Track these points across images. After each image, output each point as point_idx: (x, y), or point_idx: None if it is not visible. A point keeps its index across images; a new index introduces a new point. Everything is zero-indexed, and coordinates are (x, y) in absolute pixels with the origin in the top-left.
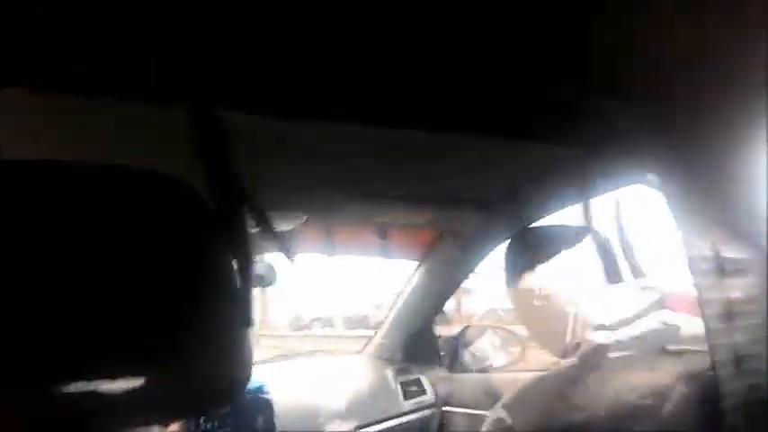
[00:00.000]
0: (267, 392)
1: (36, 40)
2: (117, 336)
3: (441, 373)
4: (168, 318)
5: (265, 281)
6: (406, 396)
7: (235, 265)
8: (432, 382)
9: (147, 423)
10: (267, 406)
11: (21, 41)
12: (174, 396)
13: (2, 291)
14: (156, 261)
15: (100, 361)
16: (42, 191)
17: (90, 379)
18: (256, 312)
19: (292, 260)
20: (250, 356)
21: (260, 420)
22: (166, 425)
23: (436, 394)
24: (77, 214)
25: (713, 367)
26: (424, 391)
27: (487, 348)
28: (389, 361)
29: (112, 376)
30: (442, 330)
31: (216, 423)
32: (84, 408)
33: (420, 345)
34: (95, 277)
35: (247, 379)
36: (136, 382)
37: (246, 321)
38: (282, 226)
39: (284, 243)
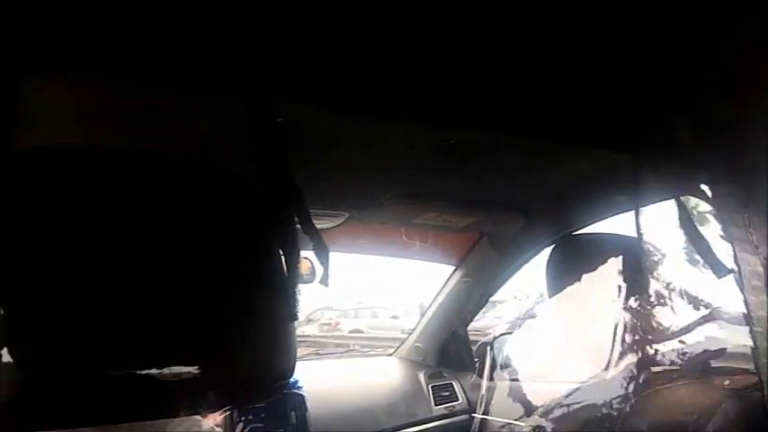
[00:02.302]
0: (300, 388)
1: (90, 28)
2: (169, 326)
3: (474, 379)
4: (217, 310)
5: (304, 278)
6: (438, 401)
7: (283, 258)
8: (464, 388)
9: (194, 411)
10: (301, 402)
11: (78, 29)
12: (221, 386)
13: (61, 281)
14: (207, 252)
15: (152, 350)
16: (96, 178)
17: (142, 368)
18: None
19: (327, 263)
20: (294, 351)
21: (293, 416)
22: (206, 415)
23: (468, 401)
24: (131, 204)
25: (760, 386)
26: (455, 397)
27: (523, 356)
28: (422, 365)
29: (163, 365)
30: (476, 336)
31: (251, 416)
32: (136, 394)
33: (454, 350)
34: (150, 267)
35: (291, 372)
36: (185, 372)
37: (292, 316)
38: (325, 224)
39: (321, 243)
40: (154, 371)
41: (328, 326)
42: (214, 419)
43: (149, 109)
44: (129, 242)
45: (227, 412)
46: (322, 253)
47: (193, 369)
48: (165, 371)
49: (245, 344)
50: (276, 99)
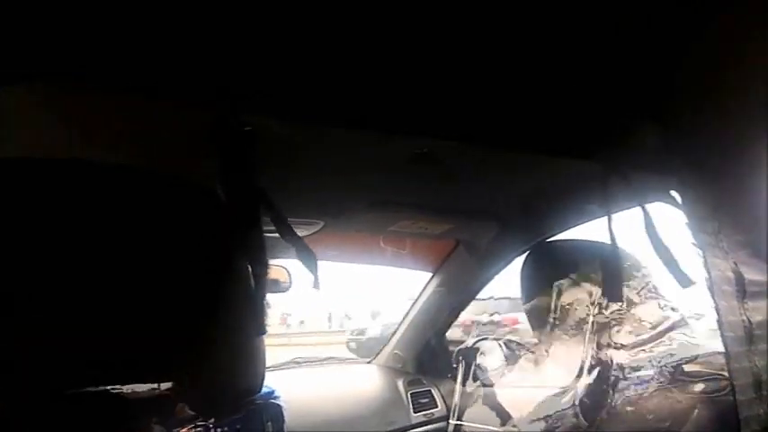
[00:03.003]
0: (278, 398)
1: (60, 38)
2: (132, 341)
3: (452, 386)
4: (182, 325)
5: (281, 286)
6: (416, 408)
7: (250, 270)
8: (443, 394)
9: (163, 426)
10: (278, 412)
11: (45, 39)
12: (187, 402)
13: (20, 295)
14: (172, 266)
15: (115, 366)
16: (57, 190)
17: (106, 383)
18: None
19: (314, 268)
20: (263, 364)
21: (270, 426)
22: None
23: (447, 407)
24: (92, 218)
25: (732, 391)
26: (434, 404)
27: (501, 363)
28: (401, 372)
29: (127, 381)
30: (455, 343)
31: (226, 429)
32: (103, 411)
33: (432, 357)
34: (111, 282)
35: (259, 388)
36: (149, 388)
37: (259, 329)
38: (299, 232)
39: (305, 249)
40: (118, 388)
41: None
42: None
43: (114, 120)
44: (89, 256)
45: (199, 428)
46: (308, 259)
47: (159, 385)
48: (130, 388)
49: (212, 359)
50: (243, 108)
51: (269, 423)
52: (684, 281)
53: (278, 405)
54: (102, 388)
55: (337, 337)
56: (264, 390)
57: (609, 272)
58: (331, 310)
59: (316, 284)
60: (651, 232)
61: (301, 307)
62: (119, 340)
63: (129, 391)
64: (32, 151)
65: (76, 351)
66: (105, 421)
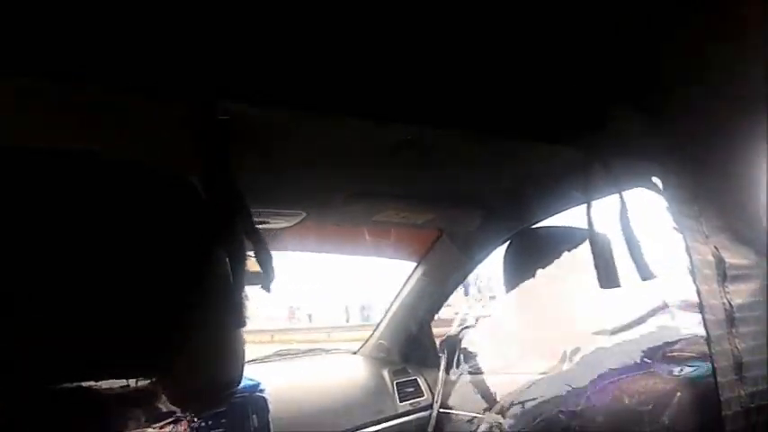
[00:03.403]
0: (263, 391)
1: (38, 32)
2: (111, 336)
3: (437, 374)
4: (160, 318)
5: (262, 279)
6: (402, 397)
7: (228, 263)
8: (429, 383)
9: (141, 422)
10: (262, 405)
11: (26, 33)
12: (168, 396)
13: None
14: (149, 259)
15: (94, 361)
16: (31, 182)
17: (84, 379)
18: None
19: (270, 269)
20: (242, 357)
21: (255, 419)
22: (161, 425)
23: (433, 396)
24: (68, 210)
25: (714, 374)
26: (420, 393)
27: (485, 351)
28: (386, 362)
29: (105, 376)
30: (439, 332)
31: (210, 422)
32: (80, 407)
33: (417, 346)
34: (88, 276)
35: (239, 380)
36: (128, 383)
37: (239, 322)
38: (281, 223)
39: (263, 246)
40: (97, 383)
41: None
42: (170, 429)
43: (90, 111)
44: (63, 249)
45: (182, 421)
46: (264, 257)
47: (139, 380)
48: (110, 383)
49: (192, 353)
50: (223, 94)
51: (254, 416)
52: (646, 273)
53: (263, 398)
54: (81, 384)
55: (361, 333)
56: (249, 382)
57: (600, 258)
58: (347, 303)
59: (266, 286)
60: (623, 220)
61: (312, 300)
62: (98, 335)
63: (109, 386)
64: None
65: (56, 347)
66: (85, 417)
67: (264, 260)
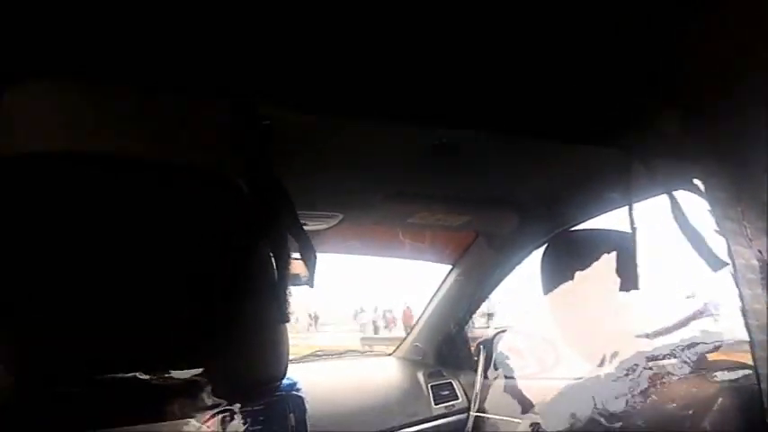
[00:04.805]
0: (300, 390)
1: (81, 34)
2: (160, 328)
3: (473, 377)
4: (207, 313)
5: (301, 279)
6: (437, 400)
7: (273, 261)
8: (463, 386)
9: (185, 414)
10: (300, 404)
11: (67, 34)
12: (213, 389)
13: (49, 285)
14: (197, 256)
15: (141, 353)
16: (80, 185)
17: (134, 370)
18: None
19: (313, 267)
20: (286, 353)
21: (292, 418)
22: (205, 419)
23: (468, 399)
24: (118, 210)
25: (757, 380)
26: (455, 396)
27: (521, 354)
28: (421, 364)
29: (155, 367)
30: (475, 334)
31: (249, 419)
32: (126, 397)
33: (452, 348)
34: (139, 272)
35: (282, 375)
36: (174, 375)
37: (283, 318)
38: (319, 225)
39: (308, 245)
40: (144, 374)
41: None
42: (213, 422)
43: (135, 114)
44: (117, 247)
45: (224, 415)
46: (309, 256)
47: (184, 372)
48: (156, 374)
49: (236, 346)
50: (263, 100)
51: (291, 414)
52: (716, 264)
53: (300, 396)
54: (130, 374)
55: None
56: (287, 381)
57: (631, 260)
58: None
59: (311, 282)
60: (680, 217)
61: (323, 303)
62: (146, 327)
63: (157, 377)
64: (38, 147)
65: (108, 338)
66: (133, 407)
67: (309, 258)
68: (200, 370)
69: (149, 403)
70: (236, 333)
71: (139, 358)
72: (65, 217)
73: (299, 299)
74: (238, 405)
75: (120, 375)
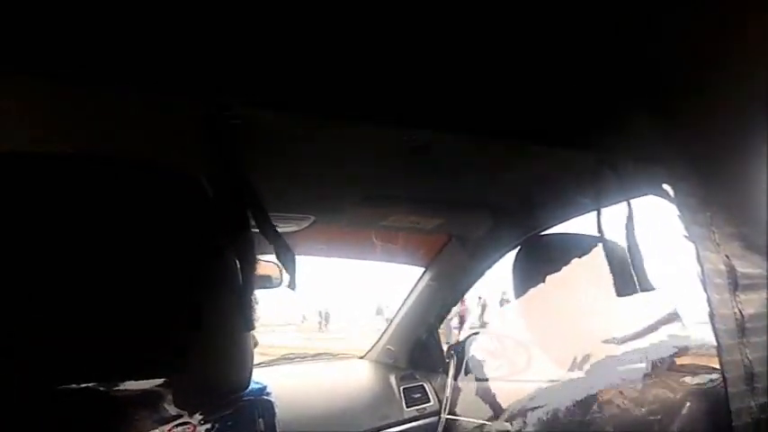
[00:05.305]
0: (269, 394)
1: (47, 30)
2: (120, 337)
3: (444, 380)
4: (167, 320)
5: (272, 282)
6: (409, 403)
7: (238, 265)
8: (435, 389)
9: (149, 424)
10: (269, 408)
11: (33, 31)
12: (176, 398)
13: (5, 292)
14: (155, 259)
15: (102, 362)
16: (41, 185)
17: (95, 380)
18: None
19: (293, 268)
20: (251, 360)
21: (261, 423)
22: (169, 428)
23: (439, 402)
24: (76, 211)
25: (724, 384)
26: (427, 399)
27: (493, 357)
28: (393, 367)
29: (113, 377)
30: (446, 337)
31: (217, 425)
32: (88, 408)
33: (425, 351)
34: (97, 276)
35: (246, 385)
36: (134, 386)
37: (247, 325)
38: (290, 227)
39: (285, 247)
40: (105, 384)
41: None
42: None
43: (100, 111)
44: (74, 250)
45: (185, 427)
46: (286, 258)
47: (144, 382)
48: (118, 384)
49: (200, 355)
50: (235, 100)
51: (260, 419)
52: (645, 284)
53: (269, 401)
54: (90, 385)
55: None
56: (256, 386)
57: (615, 265)
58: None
59: (292, 285)
60: (628, 229)
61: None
62: (107, 336)
63: (116, 387)
64: (17, 147)
65: (65, 348)
66: (93, 418)
67: (287, 260)
68: (160, 380)
69: (109, 415)
70: (199, 341)
71: (97, 368)
72: (14, 219)
73: (308, 300)
74: (199, 416)
75: (75, 386)
